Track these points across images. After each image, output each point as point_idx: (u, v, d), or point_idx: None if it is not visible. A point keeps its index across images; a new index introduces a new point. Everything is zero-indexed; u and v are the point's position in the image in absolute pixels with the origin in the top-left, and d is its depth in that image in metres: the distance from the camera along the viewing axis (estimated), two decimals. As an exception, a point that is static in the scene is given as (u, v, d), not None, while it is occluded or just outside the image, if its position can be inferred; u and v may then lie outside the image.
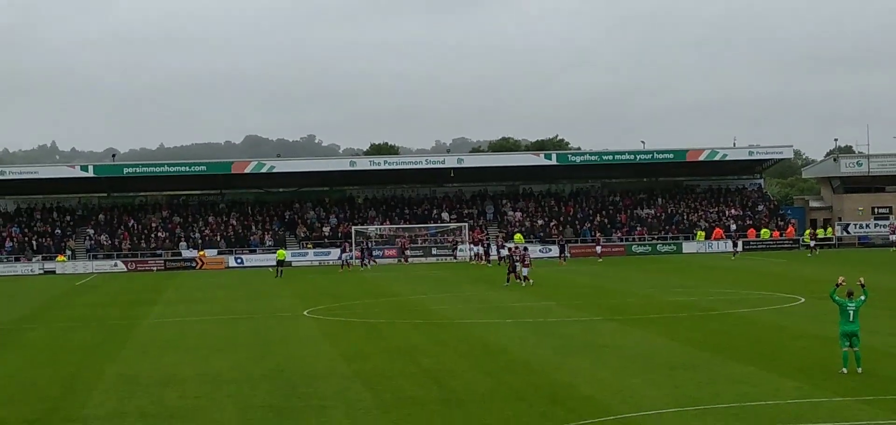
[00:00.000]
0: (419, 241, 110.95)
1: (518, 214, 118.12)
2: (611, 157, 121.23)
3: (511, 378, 30.94)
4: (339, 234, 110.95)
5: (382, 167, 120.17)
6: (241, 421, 25.78)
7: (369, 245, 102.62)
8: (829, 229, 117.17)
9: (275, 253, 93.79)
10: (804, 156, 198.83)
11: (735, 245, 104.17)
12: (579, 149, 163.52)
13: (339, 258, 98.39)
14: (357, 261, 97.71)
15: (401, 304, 57.35)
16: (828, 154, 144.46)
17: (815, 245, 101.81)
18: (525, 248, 74.00)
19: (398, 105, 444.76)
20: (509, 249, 78.77)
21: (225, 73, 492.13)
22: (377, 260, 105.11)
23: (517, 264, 69.47)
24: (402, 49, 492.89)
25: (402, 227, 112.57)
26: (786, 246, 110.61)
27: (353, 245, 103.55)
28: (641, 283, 67.58)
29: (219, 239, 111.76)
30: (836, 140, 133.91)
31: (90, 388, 31.26)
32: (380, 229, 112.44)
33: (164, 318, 53.02)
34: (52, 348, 42.06)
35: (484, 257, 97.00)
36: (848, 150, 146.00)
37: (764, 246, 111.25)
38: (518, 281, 68.06)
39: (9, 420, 27.08)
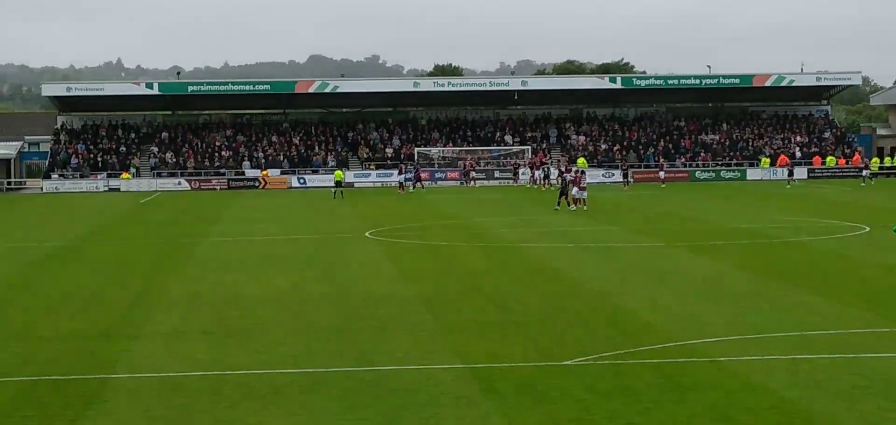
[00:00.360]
0: (482, 164, 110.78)
1: (581, 138, 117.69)
2: (676, 81, 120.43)
3: (572, 302, 30.88)
4: (402, 156, 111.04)
5: (446, 88, 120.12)
6: (302, 341, 25.90)
7: (418, 167, 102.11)
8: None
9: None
10: (873, 83, 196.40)
11: (791, 173, 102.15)
12: (645, 72, 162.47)
13: (397, 179, 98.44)
14: (409, 183, 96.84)
15: (462, 227, 57.37)
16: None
17: (870, 174, 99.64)
18: (582, 172, 73.53)
19: (463, 26, 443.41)
20: (562, 171, 78.30)
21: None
22: (439, 182, 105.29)
23: (570, 186, 68.97)
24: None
25: (465, 149, 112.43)
26: (851, 174, 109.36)
27: (415, 166, 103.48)
28: (705, 210, 67.19)
29: (282, 158, 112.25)
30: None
31: (154, 305, 31.54)
32: (443, 151, 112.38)
33: (227, 237, 53.37)
34: (118, 264, 42.47)
35: (545, 180, 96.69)
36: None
37: (829, 173, 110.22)
38: (568, 205, 67.62)
39: (78, 332, 27.39)
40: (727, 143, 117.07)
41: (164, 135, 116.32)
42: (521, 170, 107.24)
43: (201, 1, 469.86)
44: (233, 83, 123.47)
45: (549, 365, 22.95)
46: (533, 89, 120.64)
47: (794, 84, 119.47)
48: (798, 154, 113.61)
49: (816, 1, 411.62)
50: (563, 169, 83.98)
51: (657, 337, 25.56)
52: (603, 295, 32.21)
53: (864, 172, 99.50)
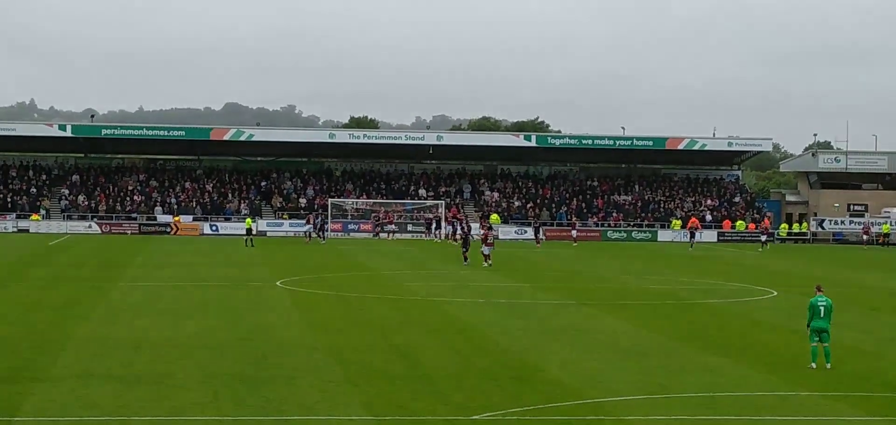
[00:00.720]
0: (395, 217, 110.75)
1: (495, 194, 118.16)
2: (590, 142, 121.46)
3: (481, 357, 30.96)
4: (316, 206, 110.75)
5: (361, 140, 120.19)
6: (208, 389, 25.73)
7: (323, 219, 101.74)
8: (804, 224, 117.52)
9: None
10: (783, 150, 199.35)
11: (692, 235, 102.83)
12: (560, 132, 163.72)
13: (304, 229, 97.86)
14: (314, 234, 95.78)
15: (374, 279, 57.35)
16: (806, 148, 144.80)
17: (766, 239, 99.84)
18: (489, 228, 74.28)
19: (381, 79, 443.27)
20: (463, 227, 79.79)
21: (207, 39, 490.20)
22: (352, 233, 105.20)
23: (471, 241, 70.12)
24: (387, 23, 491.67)
25: (378, 202, 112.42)
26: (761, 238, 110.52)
27: (327, 217, 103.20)
28: (615, 269, 67.68)
29: (194, 205, 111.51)
30: (815, 135, 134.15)
31: (60, 348, 31.16)
32: (356, 203, 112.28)
33: (137, 282, 52.87)
34: (24, 306, 41.90)
35: (453, 235, 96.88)
36: (827, 146, 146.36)
37: (739, 237, 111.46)
38: (465, 261, 68.40)
39: (-23, 376, 27.00)
40: (639, 205, 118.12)
41: (76, 177, 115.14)
42: (433, 225, 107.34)
43: (117, 45, 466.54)
44: (147, 128, 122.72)
45: (458, 419, 22.98)
46: (448, 144, 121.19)
47: (706, 148, 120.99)
48: (708, 217, 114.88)
49: (730, 67, 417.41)
50: (463, 226, 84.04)
51: (565, 395, 25.69)
52: (512, 351, 32.32)
53: (763, 237, 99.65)
